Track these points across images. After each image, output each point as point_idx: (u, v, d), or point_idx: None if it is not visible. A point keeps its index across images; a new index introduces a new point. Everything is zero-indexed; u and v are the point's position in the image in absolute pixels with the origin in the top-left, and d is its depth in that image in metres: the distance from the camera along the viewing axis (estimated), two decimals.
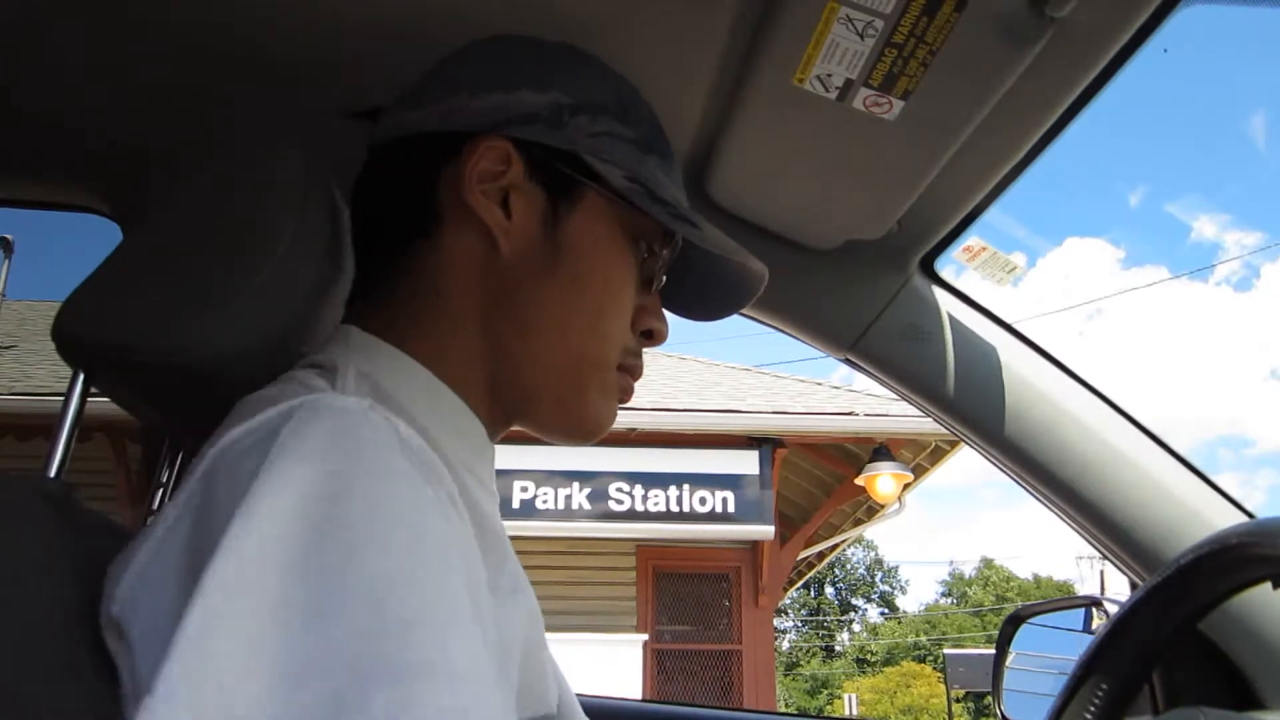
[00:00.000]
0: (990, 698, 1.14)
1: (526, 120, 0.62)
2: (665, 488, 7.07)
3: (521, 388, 0.63)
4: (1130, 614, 0.83)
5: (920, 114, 0.75)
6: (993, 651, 1.17)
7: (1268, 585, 0.77)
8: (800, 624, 38.95)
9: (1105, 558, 1.04)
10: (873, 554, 39.60)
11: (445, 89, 0.64)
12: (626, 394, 0.68)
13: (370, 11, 0.77)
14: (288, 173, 0.63)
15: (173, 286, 0.59)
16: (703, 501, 7.10)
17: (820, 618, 38.63)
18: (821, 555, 10.52)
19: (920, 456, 7.57)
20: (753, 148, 0.85)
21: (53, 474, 0.80)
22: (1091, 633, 1.07)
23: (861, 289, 1.04)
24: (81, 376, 0.72)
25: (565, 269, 0.62)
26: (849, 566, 39.15)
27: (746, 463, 7.16)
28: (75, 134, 0.97)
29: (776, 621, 39.09)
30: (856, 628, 38.88)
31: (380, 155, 0.65)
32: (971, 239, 1.00)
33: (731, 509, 7.10)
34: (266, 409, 0.47)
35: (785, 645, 37.27)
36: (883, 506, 7.90)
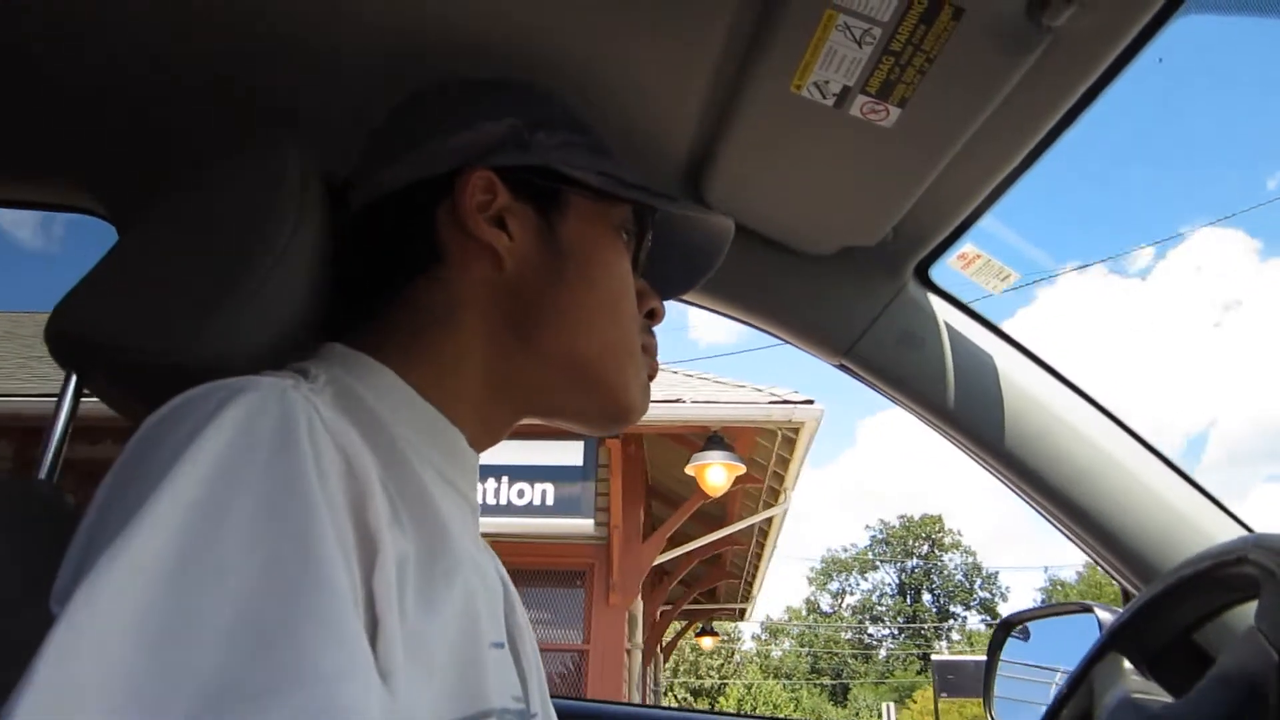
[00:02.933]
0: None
1: (496, 148, 0.67)
2: (483, 480, 6.57)
3: (560, 382, 0.67)
4: (1125, 624, 0.84)
5: (917, 121, 0.75)
6: (983, 658, 1.18)
7: None
8: (897, 632, 38.73)
9: (1098, 565, 1.04)
10: (971, 559, 39.46)
11: (412, 140, 0.68)
12: (653, 372, 0.74)
13: (368, 16, 0.77)
14: (284, 174, 0.63)
15: (170, 287, 0.59)
16: (520, 494, 6.85)
17: (917, 625, 38.47)
18: (722, 556, 9.63)
19: (777, 446, 7.06)
20: (749, 153, 0.85)
21: (43, 475, 0.80)
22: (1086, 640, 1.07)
23: (857, 295, 1.05)
24: (74, 378, 0.72)
25: (573, 270, 0.67)
26: (945, 573, 38.99)
27: (571, 454, 6.93)
28: (71, 136, 0.96)
29: (872, 629, 38.65)
30: (956, 636, 38.35)
31: (365, 216, 0.68)
32: (967, 246, 1.01)
33: (550, 502, 6.86)
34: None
35: (882, 654, 37.08)
36: (774, 503, 7.50)
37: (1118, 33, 0.69)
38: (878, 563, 39.55)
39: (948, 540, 39.59)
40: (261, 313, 0.60)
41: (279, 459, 0.43)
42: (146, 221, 0.66)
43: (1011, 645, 1.15)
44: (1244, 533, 0.95)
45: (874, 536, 41.03)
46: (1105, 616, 0.97)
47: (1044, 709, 0.90)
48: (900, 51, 0.69)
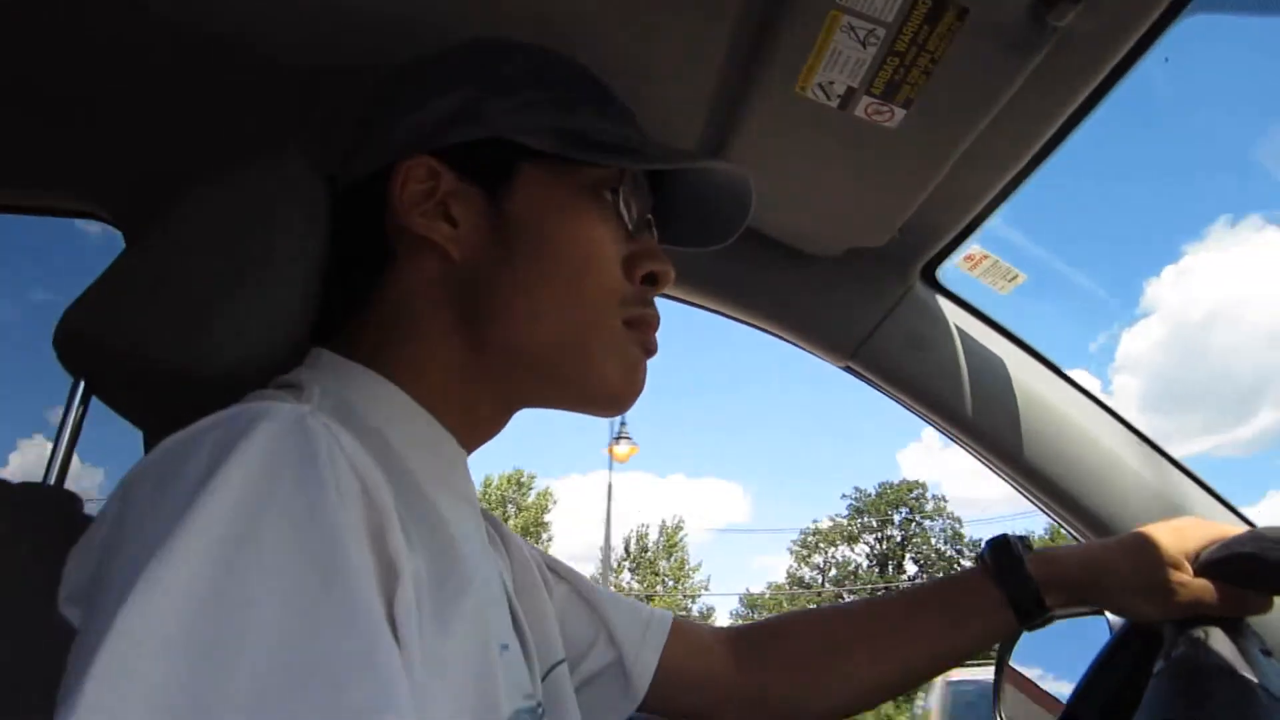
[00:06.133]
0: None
1: (442, 127, 0.63)
2: None
3: (525, 374, 0.63)
4: (1135, 624, 0.83)
5: (922, 122, 0.75)
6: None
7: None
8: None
9: None
10: (954, 527, 37.05)
11: (369, 130, 0.66)
12: (648, 347, 0.67)
13: (372, 15, 0.77)
14: (293, 177, 0.63)
15: (180, 294, 0.59)
16: None
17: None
18: None
19: None
20: (754, 155, 0.85)
21: (53, 481, 0.80)
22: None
23: (863, 297, 1.04)
24: (82, 384, 0.72)
25: (524, 250, 0.62)
26: (928, 542, 36.96)
27: None
28: (77, 140, 0.97)
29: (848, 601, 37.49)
30: None
31: (336, 210, 0.66)
32: (973, 247, 1.01)
33: None
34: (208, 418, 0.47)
35: None
36: None
37: (1124, 32, 0.68)
38: (860, 533, 38.35)
39: (930, 506, 37.35)
40: (270, 321, 0.60)
41: (303, 490, 0.43)
42: (156, 228, 0.66)
43: (1022, 647, 1.14)
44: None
45: (851, 505, 38.68)
46: (1115, 620, 0.97)
47: (1054, 715, 0.90)
48: (905, 52, 0.69)
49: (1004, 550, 0.82)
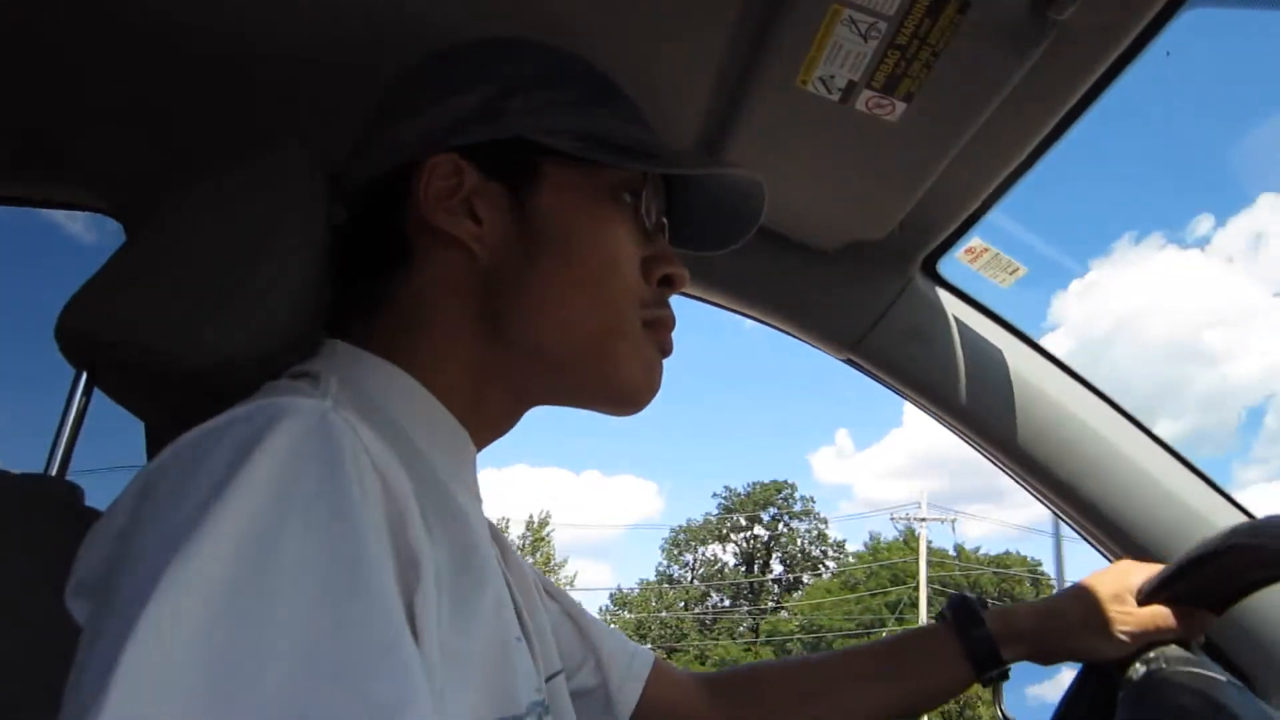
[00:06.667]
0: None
1: (463, 125, 0.63)
2: None
3: (545, 373, 0.64)
4: (1090, 665, 0.84)
5: (923, 116, 0.75)
6: None
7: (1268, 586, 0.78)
8: (728, 603, 37.32)
9: (1106, 558, 1.04)
10: (819, 528, 38.11)
11: (386, 126, 0.65)
12: (664, 348, 0.67)
13: (374, 14, 0.77)
14: (294, 173, 0.63)
15: (181, 287, 0.59)
16: None
17: (750, 596, 37.01)
18: None
19: None
20: (756, 149, 0.85)
21: (55, 473, 0.80)
22: None
23: (864, 290, 1.05)
24: (84, 376, 0.72)
25: (548, 250, 0.62)
26: (795, 545, 37.69)
27: None
28: (79, 134, 0.97)
29: (715, 598, 36.76)
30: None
31: (351, 206, 0.66)
32: (974, 240, 1.01)
33: None
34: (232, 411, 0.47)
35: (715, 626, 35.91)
36: None
37: (1125, 26, 0.68)
38: (729, 532, 38.17)
39: (798, 507, 38.06)
40: (271, 314, 0.60)
41: (325, 489, 0.43)
42: (157, 221, 0.66)
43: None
44: (1246, 520, 0.95)
45: (721, 504, 39.18)
46: None
47: (1054, 704, 0.91)
48: (906, 45, 0.69)
49: (962, 607, 0.88)
